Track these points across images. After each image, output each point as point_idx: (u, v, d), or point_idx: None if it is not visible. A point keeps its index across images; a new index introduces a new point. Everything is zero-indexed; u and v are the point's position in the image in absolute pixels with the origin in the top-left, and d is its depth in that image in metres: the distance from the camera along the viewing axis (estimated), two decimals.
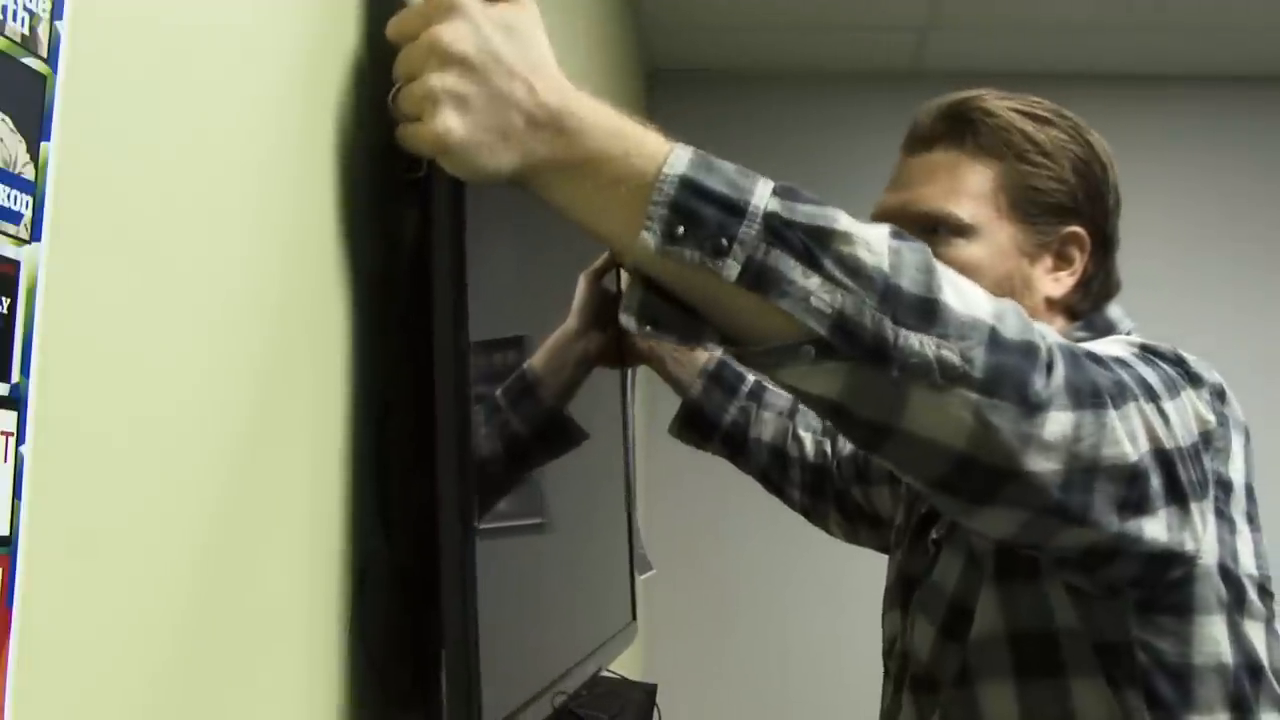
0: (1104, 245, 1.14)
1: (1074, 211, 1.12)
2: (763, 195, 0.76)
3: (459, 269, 0.81)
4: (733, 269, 0.74)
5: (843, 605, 3.11)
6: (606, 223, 0.77)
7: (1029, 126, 1.11)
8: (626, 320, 0.78)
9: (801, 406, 1.45)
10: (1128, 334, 1.14)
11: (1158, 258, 3.55)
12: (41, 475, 0.47)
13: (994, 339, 0.78)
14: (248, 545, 0.69)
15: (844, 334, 0.74)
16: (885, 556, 1.30)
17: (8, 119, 0.45)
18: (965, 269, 1.03)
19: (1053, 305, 1.13)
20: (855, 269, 0.75)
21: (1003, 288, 1.07)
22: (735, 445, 1.44)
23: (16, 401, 0.46)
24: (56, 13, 0.48)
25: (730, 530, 3.51)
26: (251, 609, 0.70)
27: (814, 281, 0.74)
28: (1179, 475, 0.90)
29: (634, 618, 1.57)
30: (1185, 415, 0.94)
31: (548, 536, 1.11)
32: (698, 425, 1.44)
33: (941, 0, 3.21)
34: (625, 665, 2.62)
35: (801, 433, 1.44)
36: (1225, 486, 1.01)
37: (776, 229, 0.74)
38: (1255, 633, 1.02)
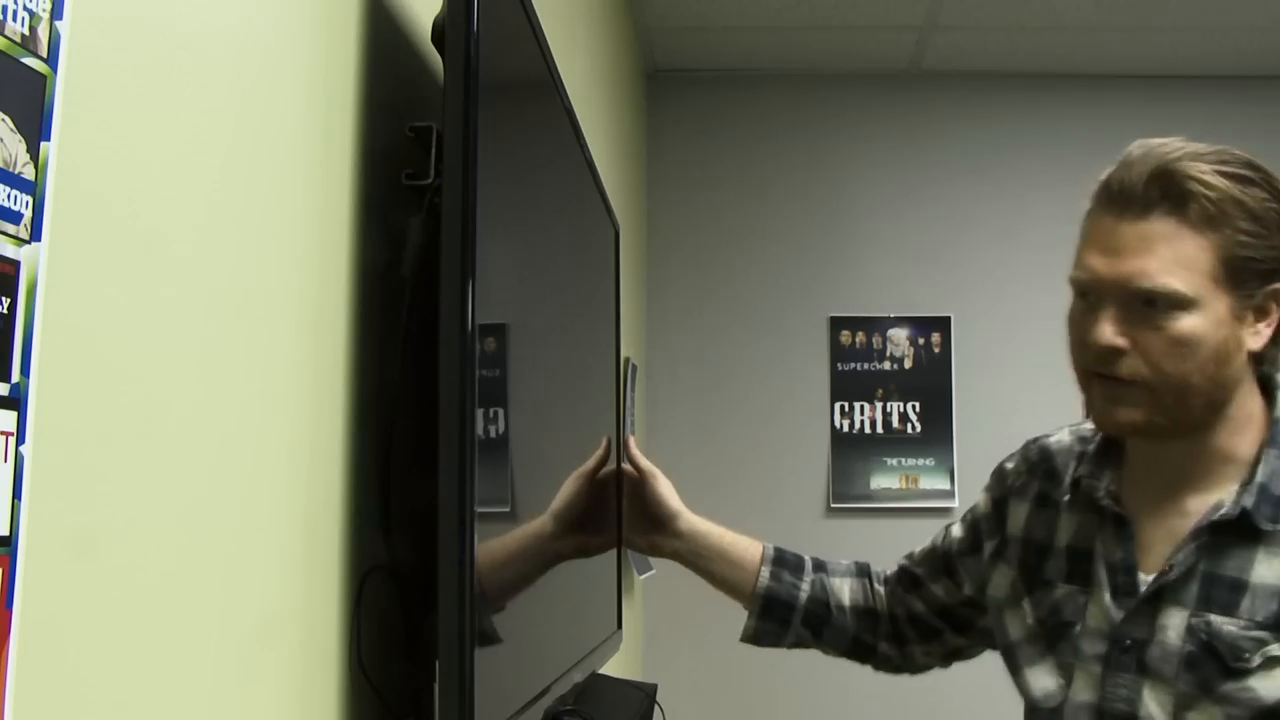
0: None
1: (1276, 272, 1.16)
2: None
3: (467, 276, 0.81)
4: None
5: None
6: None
7: (1240, 193, 1.13)
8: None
9: (871, 563, 1.47)
10: None
11: None
12: (41, 475, 0.47)
13: None
14: (247, 547, 0.69)
15: None
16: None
17: (8, 119, 0.45)
18: (1185, 340, 1.11)
19: (1251, 357, 1.17)
20: None
21: (1219, 353, 1.12)
22: (817, 621, 1.42)
23: (16, 401, 0.46)
24: (56, 13, 0.48)
25: (729, 529, 3.50)
26: (250, 611, 0.70)
27: None
28: None
29: (619, 626, 1.58)
30: None
31: (537, 546, 1.10)
32: (775, 611, 1.42)
33: (941, 0, 3.21)
34: (626, 665, 2.62)
35: (878, 586, 1.43)
36: None
37: None
38: None
